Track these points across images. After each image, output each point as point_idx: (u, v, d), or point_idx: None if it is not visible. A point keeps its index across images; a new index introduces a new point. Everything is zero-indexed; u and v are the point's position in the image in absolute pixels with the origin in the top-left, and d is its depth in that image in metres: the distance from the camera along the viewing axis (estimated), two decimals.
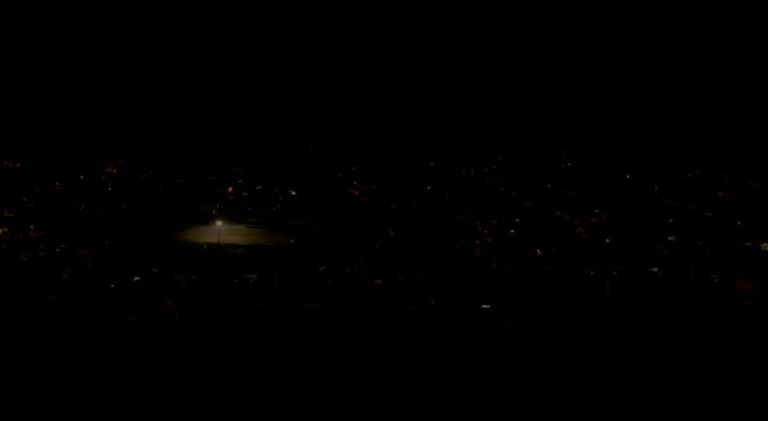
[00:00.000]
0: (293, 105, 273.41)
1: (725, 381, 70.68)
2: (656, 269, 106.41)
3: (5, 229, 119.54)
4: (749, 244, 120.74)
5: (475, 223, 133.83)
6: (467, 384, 69.97)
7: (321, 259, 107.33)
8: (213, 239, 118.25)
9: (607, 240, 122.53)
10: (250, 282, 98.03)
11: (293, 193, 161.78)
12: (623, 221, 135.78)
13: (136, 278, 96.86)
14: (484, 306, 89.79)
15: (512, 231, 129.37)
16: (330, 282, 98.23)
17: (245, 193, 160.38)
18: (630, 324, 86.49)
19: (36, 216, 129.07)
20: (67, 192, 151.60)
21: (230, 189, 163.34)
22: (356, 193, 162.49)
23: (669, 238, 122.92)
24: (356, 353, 77.43)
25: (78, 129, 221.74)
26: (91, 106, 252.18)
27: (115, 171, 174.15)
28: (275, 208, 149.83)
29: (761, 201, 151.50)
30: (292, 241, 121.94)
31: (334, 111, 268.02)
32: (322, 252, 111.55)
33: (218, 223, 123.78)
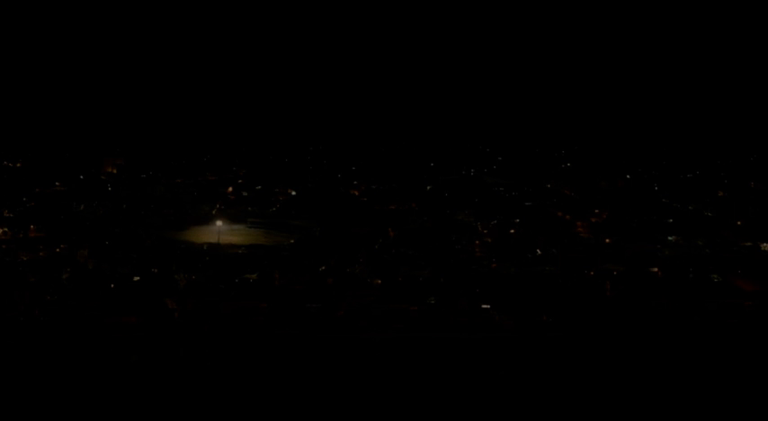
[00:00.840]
0: (293, 105, 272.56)
1: (725, 381, 70.77)
2: (656, 269, 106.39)
3: (5, 229, 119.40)
4: (749, 244, 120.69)
5: (475, 223, 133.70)
6: (466, 384, 70.03)
7: (321, 259, 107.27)
8: (213, 239, 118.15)
9: (607, 240, 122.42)
10: (250, 282, 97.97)
11: (293, 193, 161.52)
12: (623, 221, 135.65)
13: (136, 278, 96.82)
14: (484, 306, 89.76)
15: (512, 231, 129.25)
16: (330, 282, 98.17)
17: (245, 193, 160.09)
18: (631, 324, 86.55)
19: (36, 216, 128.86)
20: (67, 192, 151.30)
21: (230, 189, 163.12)
22: (356, 193, 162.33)
23: (669, 238, 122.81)
24: (356, 353, 77.51)
25: (78, 129, 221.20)
26: (91, 106, 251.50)
27: (115, 171, 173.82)
28: (275, 208, 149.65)
29: (761, 201, 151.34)
30: (292, 241, 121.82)
31: (335, 111, 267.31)
32: (322, 252, 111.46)
33: (218, 223, 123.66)
